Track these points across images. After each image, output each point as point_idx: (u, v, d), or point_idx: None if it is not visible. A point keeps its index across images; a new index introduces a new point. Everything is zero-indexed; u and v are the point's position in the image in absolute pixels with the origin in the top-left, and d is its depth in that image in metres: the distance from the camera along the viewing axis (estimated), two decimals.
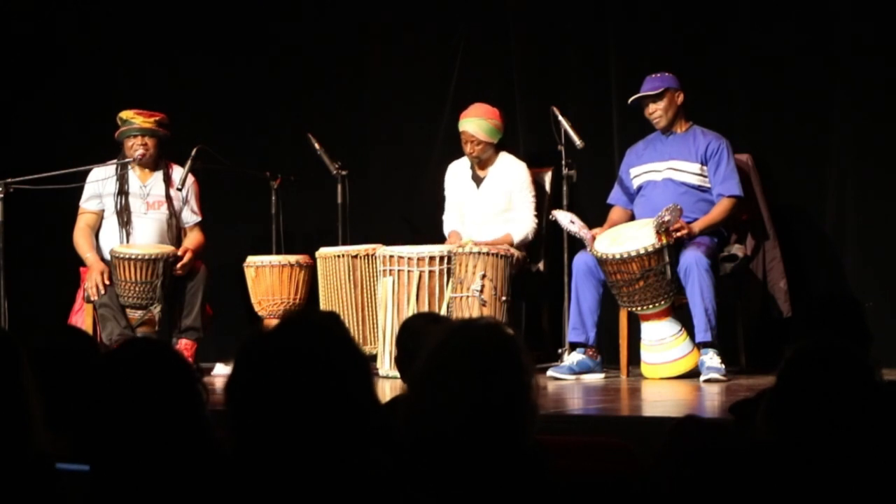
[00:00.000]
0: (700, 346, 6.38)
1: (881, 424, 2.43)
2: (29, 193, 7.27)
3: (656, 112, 6.75)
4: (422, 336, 2.48)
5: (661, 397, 5.97)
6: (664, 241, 6.36)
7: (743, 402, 3.37)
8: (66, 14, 8.43)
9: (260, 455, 2.19)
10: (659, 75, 6.75)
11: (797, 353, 2.50)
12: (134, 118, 7.26)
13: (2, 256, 7.10)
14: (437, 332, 2.39)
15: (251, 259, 7.34)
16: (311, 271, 7.27)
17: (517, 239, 7.03)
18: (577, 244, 6.81)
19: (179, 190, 7.26)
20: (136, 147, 7.23)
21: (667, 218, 6.33)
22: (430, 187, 7.54)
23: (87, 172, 7.34)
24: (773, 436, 2.44)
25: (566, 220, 6.61)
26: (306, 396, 2.18)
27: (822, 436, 2.41)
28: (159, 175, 7.34)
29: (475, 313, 6.55)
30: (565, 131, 6.83)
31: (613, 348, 6.77)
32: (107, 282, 7.03)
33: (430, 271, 6.75)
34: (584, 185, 7.20)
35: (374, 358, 6.81)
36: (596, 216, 6.92)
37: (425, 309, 6.62)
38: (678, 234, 6.42)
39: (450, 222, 7.27)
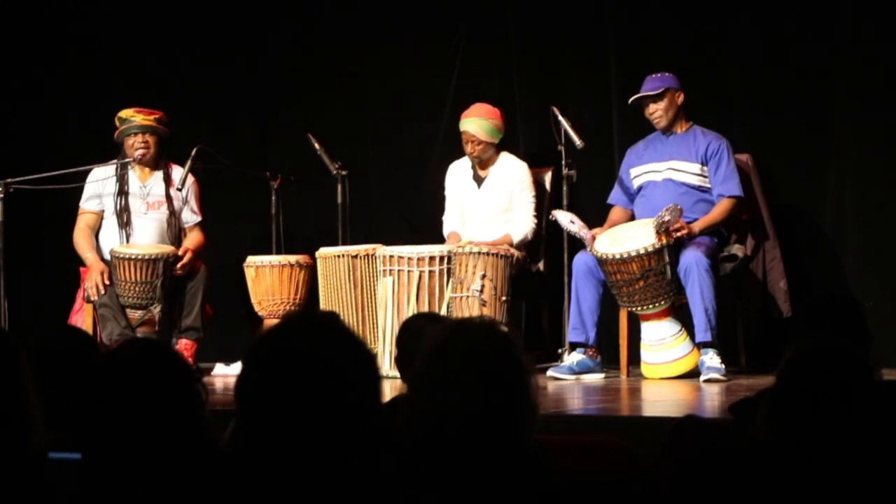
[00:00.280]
0: (700, 346, 6.38)
1: (881, 424, 2.43)
2: (29, 193, 7.26)
3: (656, 112, 6.75)
4: (422, 336, 2.48)
5: (661, 397, 5.97)
6: (664, 241, 6.36)
7: (743, 401, 3.37)
8: (65, 14, 8.43)
9: (266, 454, 2.19)
10: (659, 75, 6.75)
11: (797, 353, 2.50)
12: (133, 116, 7.26)
13: (2, 256, 7.10)
14: (433, 331, 2.39)
15: (251, 259, 7.34)
16: (311, 271, 7.26)
17: (516, 239, 7.03)
18: (577, 244, 6.81)
19: (179, 190, 7.25)
20: (136, 145, 7.22)
21: (667, 218, 6.33)
22: (430, 187, 7.54)
23: (87, 172, 7.34)
24: (773, 436, 2.44)
25: (566, 220, 6.61)
26: (315, 397, 2.18)
27: (822, 436, 2.41)
28: (159, 175, 7.34)
29: (475, 313, 6.55)
30: (565, 131, 6.83)
31: (613, 348, 6.77)
32: (107, 282, 7.02)
33: (430, 271, 6.75)
34: (584, 185, 7.20)
35: None
36: (596, 216, 6.92)
37: (425, 309, 6.62)
38: (678, 234, 6.42)
39: (449, 223, 7.27)
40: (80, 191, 7.32)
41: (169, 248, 7.12)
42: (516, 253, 6.90)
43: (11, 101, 8.39)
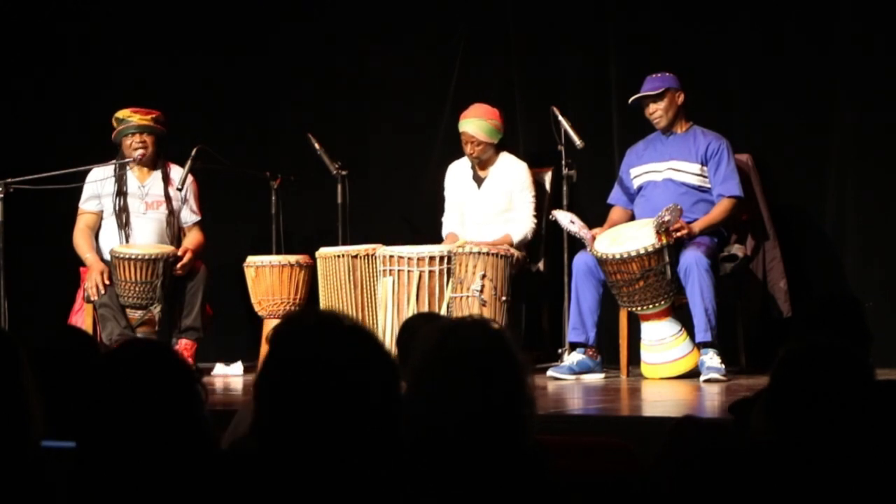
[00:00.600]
0: (700, 346, 6.38)
1: (880, 424, 2.43)
2: (29, 193, 7.26)
3: (657, 112, 6.76)
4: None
5: (661, 397, 5.97)
6: (664, 241, 6.36)
7: (743, 401, 3.37)
8: (65, 14, 8.43)
9: (277, 453, 2.20)
10: (659, 75, 6.75)
11: (788, 353, 2.51)
12: (131, 116, 7.26)
13: (2, 256, 7.10)
14: (427, 332, 2.39)
15: (251, 259, 7.33)
16: (311, 271, 7.26)
17: (516, 239, 7.03)
18: (577, 244, 6.81)
19: (179, 190, 7.25)
20: (134, 145, 7.23)
21: (667, 218, 6.33)
22: (430, 187, 7.54)
23: (86, 172, 7.34)
24: (769, 435, 2.44)
25: (566, 220, 6.61)
26: (333, 400, 2.19)
27: (821, 436, 2.41)
28: (158, 175, 7.34)
29: (475, 313, 6.55)
30: (565, 131, 6.83)
31: (613, 348, 6.77)
32: (107, 282, 7.02)
33: (430, 271, 6.75)
34: (584, 185, 7.20)
35: None
36: (596, 216, 6.92)
37: (425, 309, 6.62)
38: (678, 234, 6.42)
39: (449, 223, 7.27)
40: (79, 191, 7.32)
41: (169, 248, 7.12)
42: (516, 253, 6.89)
43: (11, 101, 8.39)
